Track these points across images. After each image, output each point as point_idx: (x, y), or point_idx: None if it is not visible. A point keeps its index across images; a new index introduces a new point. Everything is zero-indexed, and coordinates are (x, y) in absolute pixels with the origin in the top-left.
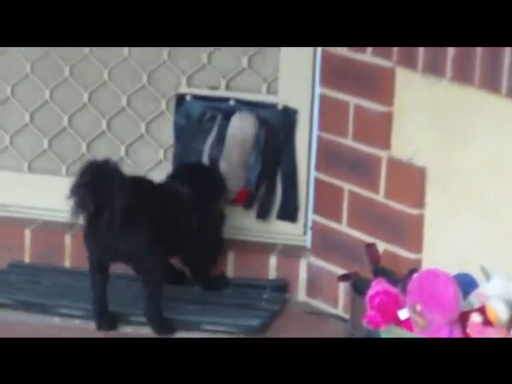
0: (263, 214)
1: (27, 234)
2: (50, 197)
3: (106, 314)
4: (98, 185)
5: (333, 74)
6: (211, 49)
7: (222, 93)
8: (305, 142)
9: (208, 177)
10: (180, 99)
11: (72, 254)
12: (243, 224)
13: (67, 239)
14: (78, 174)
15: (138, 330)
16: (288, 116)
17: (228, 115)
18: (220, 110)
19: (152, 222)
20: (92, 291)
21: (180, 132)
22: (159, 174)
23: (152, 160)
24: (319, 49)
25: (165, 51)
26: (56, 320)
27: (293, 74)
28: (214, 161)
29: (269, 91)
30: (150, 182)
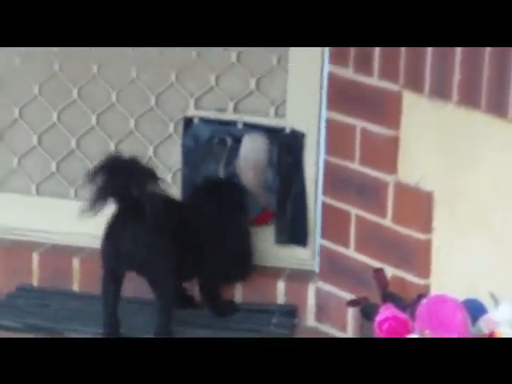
0: (282, 239)
1: (35, 257)
2: (58, 220)
3: (116, 334)
4: (126, 177)
5: (339, 98)
6: (219, 71)
7: (229, 115)
8: (313, 165)
9: (232, 195)
10: (188, 122)
11: (80, 277)
12: (261, 250)
13: (75, 262)
14: (103, 166)
15: None
16: (296, 139)
17: (236, 138)
18: (228, 133)
19: (173, 233)
20: (103, 308)
21: (188, 155)
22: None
23: None
24: (326, 71)
25: (172, 73)
26: None
27: (301, 97)
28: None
29: (277, 114)
30: (173, 199)
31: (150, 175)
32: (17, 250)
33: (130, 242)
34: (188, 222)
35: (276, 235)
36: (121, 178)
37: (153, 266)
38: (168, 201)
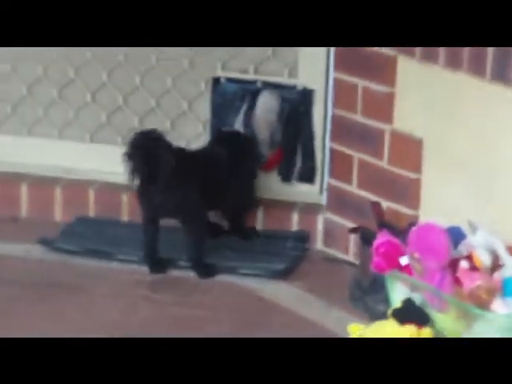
0: (287, 178)
1: (91, 192)
2: (109, 162)
3: (156, 259)
4: (148, 151)
5: (345, 61)
6: None
7: (251, 76)
8: (320, 116)
9: (242, 141)
10: (216, 82)
11: (129, 210)
12: (270, 185)
13: (124, 197)
14: (130, 142)
15: (185, 273)
16: (306, 95)
17: (255, 95)
18: (249, 90)
19: (195, 181)
20: (144, 241)
21: (216, 109)
22: (199, 144)
23: (193, 132)
24: None
25: None
26: (115, 264)
27: (310, 60)
28: (246, 131)
29: (290, 75)
30: (191, 151)
31: (163, 142)
32: (77, 187)
33: (160, 194)
34: (208, 167)
35: (283, 175)
36: (146, 151)
37: (182, 211)
38: (189, 154)
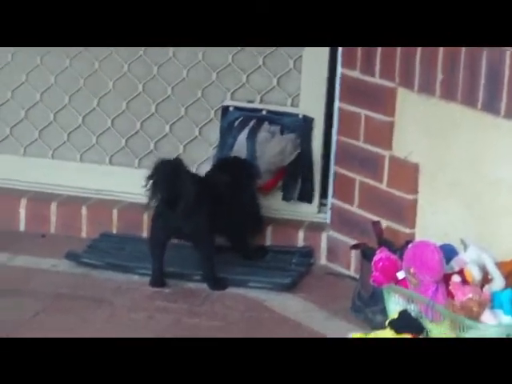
0: (288, 198)
1: (115, 212)
2: (128, 184)
3: (160, 275)
4: (171, 177)
5: (349, 92)
6: (250, 71)
7: (256, 105)
8: (320, 142)
9: (242, 167)
10: (225, 110)
11: (148, 227)
12: (278, 206)
13: (145, 216)
14: (154, 168)
15: (199, 285)
16: (306, 123)
17: (261, 122)
18: (255, 118)
19: (206, 206)
20: (153, 259)
21: (224, 134)
22: (208, 166)
23: (203, 156)
24: (339, 71)
25: (214, 73)
26: (135, 278)
27: (311, 91)
28: (247, 154)
29: (292, 104)
30: (201, 177)
31: (186, 171)
32: (102, 206)
33: (179, 219)
34: (214, 192)
35: (284, 196)
36: (169, 177)
37: (196, 235)
38: (201, 181)
